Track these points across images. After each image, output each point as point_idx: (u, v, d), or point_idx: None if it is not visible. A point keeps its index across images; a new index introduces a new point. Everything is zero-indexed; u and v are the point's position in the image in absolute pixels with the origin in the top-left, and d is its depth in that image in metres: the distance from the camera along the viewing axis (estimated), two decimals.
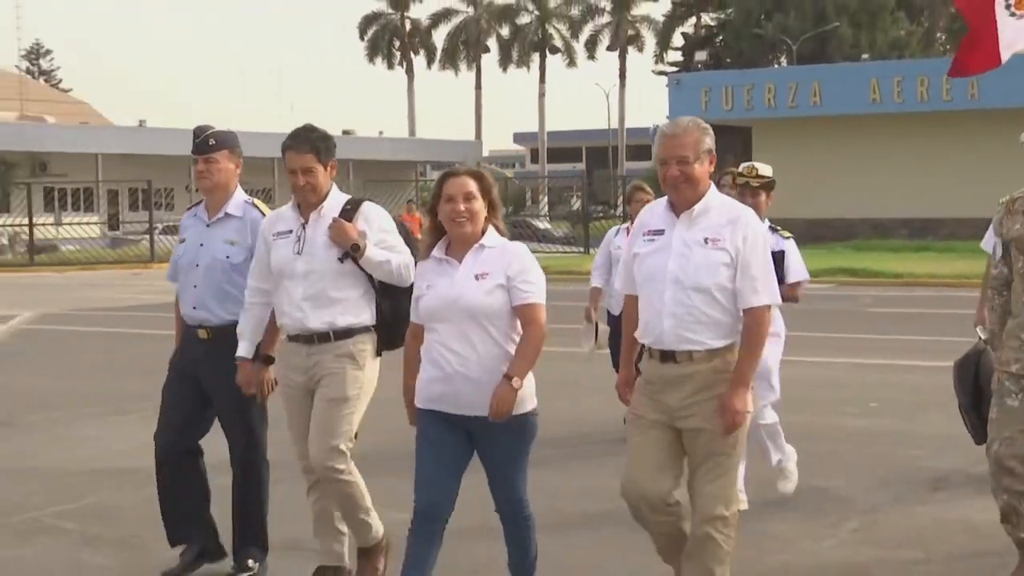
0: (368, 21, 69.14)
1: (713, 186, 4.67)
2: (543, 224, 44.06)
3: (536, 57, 66.97)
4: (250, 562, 5.64)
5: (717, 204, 4.62)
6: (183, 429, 5.61)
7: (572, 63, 67.49)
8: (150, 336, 16.80)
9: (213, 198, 5.63)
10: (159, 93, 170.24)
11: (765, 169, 6.92)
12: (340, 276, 5.09)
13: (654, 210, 4.70)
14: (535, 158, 72.56)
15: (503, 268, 4.62)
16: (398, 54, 69.49)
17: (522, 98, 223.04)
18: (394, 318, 5.19)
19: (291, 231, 5.25)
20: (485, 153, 65.96)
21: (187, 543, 5.72)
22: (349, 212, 5.20)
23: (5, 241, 41.96)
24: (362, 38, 69.67)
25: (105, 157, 53.75)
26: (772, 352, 6.61)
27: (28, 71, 79.05)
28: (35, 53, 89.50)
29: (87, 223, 48.29)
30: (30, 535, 7.06)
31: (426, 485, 4.63)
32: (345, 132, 66.04)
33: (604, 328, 8.33)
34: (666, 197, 4.66)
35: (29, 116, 60.03)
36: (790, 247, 6.98)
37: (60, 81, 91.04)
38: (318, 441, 5.11)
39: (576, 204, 55.73)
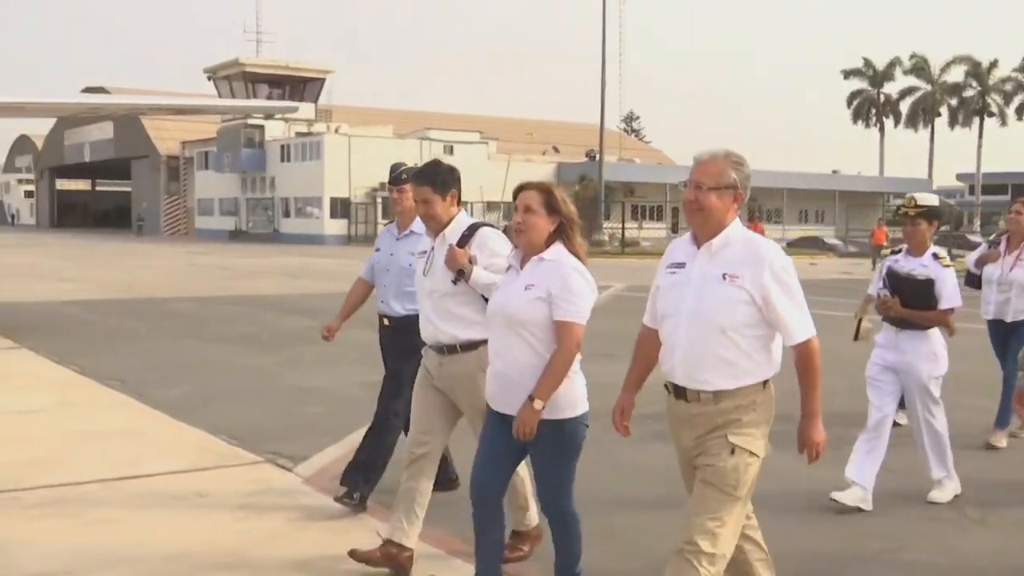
0: (853, 96, 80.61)
1: (737, 222, 3.90)
2: (976, 238, 50.04)
3: (976, 120, 76.64)
4: (356, 494, 5.93)
5: (740, 239, 3.84)
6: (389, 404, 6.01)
7: (1004, 123, 76.97)
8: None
9: (403, 219, 6.04)
10: (713, 138, 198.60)
11: (925, 199, 6.48)
12: (460, 294, 4.84)
13: (679, 243, 4.04)
14: (971, 191, 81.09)
15: (550, 282, 4.20)
16: (873, 118, 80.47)
17: (964, 148, 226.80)
18: None
19: (425, 252, 5.17)
20: (933, 187, 73.78)
21: (352, 487, 5.96)
22: (466, 238, 4.94)
23: (606, 238, 50.61)
24: (848, 106, 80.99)
25: (671, 186, 60.81)
26: (930, 370, 6.35)
27: (624, 130, 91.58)
28: (629, 118, 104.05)
29: (657, 228, 60.38)
30: (635, 421, 6.98)
31: (475, 476, 4.41)
32: (833, 171, 74.60)
33: (867, 325, 7.18)
34: (691, 230, 4.01)
35: (624, 159, 70.32)
36: (946, 275, 6.34)
37: (644, 136, 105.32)
38: None
39: (1002, 223, 68.75)
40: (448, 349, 4.96)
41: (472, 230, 5.00)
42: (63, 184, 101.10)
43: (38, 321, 16.35)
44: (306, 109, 58.85)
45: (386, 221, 7.32)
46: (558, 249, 4.35)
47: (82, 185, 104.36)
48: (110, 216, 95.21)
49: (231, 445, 7.73)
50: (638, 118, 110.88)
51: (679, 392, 3.94)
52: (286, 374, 11.42)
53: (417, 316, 5.28)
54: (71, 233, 74.66)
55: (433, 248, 5.11)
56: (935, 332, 6.48)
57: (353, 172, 57.31)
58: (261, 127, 62.62)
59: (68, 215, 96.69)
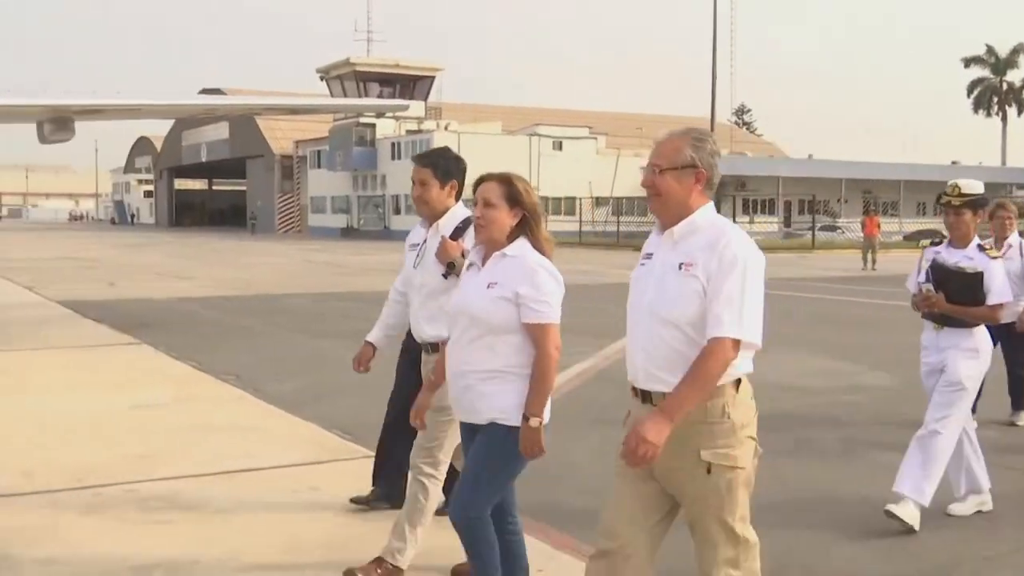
0: (974, 84, 78.72)
1: (708, 207, 3.49)
2: None
3: None
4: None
5: (708, 226, 3.44)
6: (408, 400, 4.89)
7: None
8: (811, 299, 21.67)
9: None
10: (825, 134, 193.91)
11: (971, 187, 6.01)
12: (450, 291, 4.48)
13: (653, 233, 3.65)
14: None
15: (515, 281, 3.90)
16: (995, 106, 78.66)
17: None
18: None
19: (417, 244, 4.95)
20: None
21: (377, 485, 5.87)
22: (460, 231, 4.72)
23: None
24: (968, 95, 79.06)
25: (784, 179, 63.32)
26: (967, 368, 5.84)
27: (735, 122, 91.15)
28: (740, 111, 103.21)
29: (769, 222, 58.88)
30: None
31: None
32: (952, 163, 71.54)
33: None
34: None
35: (735, 152, 69.88)
36: (995, 268, 5.92)
37: (756, 129, 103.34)
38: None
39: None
40: (432, 348, 4.82)
41: (467, 223, 4.76)
42: (181, 184, 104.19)
43: (157, 318, 16.80)
44: (416, 107, 59.46)
45: None
46: (521, 244, 4.06)
47: (199, 184, 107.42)
48: (226, 215, 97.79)
49: (344, 440, 7.82)
50: (749, 110, 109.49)
51: (644, 396, 3.50)
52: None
53: None
54: (188, 232, 76.82)
55: (426, 240, 4.95)
56: (981, 329, 6.01)
57: None
58: (372, 125, 63.55)
59: (186, 214, 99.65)
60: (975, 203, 6.05)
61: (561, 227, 55.88)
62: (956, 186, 6.06)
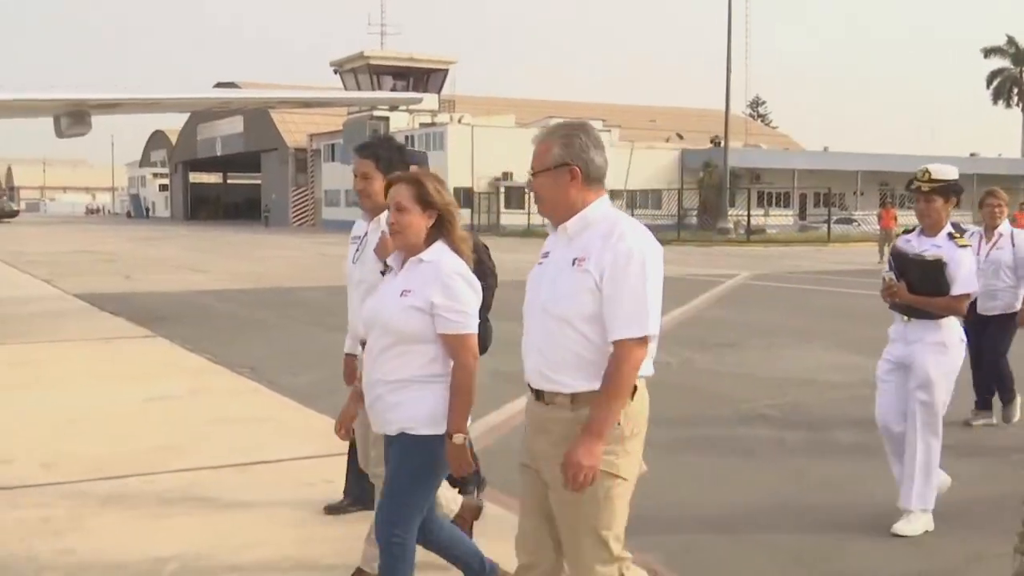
0: (994, 75, 78.34)
1: (600, 201, 3.40)
2: None
3: None
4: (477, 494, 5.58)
5: (602, 220, 3.36)
6: None
7: None
8: (827, 292, 21.17)
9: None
10: (841, 126, 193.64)
11: (942, 172, 5.72)
12: None
13: (549, 234, 3.55)
14: None
15: (429, 290, 3.70)
16: (1016, 97, 78.44)
17: None
18: None
19: (359, 238, 4.80)
20: None
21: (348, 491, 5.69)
22: None
23: (731, 226, 49.56)
24: (988, 86, 78.79)
25: (799, 172, 63.73)
26: (936, 365, 5.57)
27: (750, 115, 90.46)
28: (755, 103, 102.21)
29: (784, 215, 58.98)
30: (751, 420, 8.42)
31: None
32: (971, 154, 71.16)
33: None
34: None
35: (750, 144, 70.01)
36: (961, 257, 5.59)
37: (771, 121, 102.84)
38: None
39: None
40: None
41: None
42: (196, 177, 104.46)
43: (173, 311, 16.90)
44: (429, 100, 59.49)
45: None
46: (438, 248, 3.84)
47: (214, 178, 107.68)
48: (241, 208, 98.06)
49: None
50: (764, 102, 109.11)
51: (537, 394, 3.44)
52: None
53: None
54: (203, 225, 77.03)
55: (367, 233, 4.79)
56: (950, 322, 5.66)
57: (476, 162, 57.72)
58: (386, 119, 63.58)
59: (201, 207, 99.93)
60: (947, 189, 5.73)
61: None
62: (927, 171, 5.76)
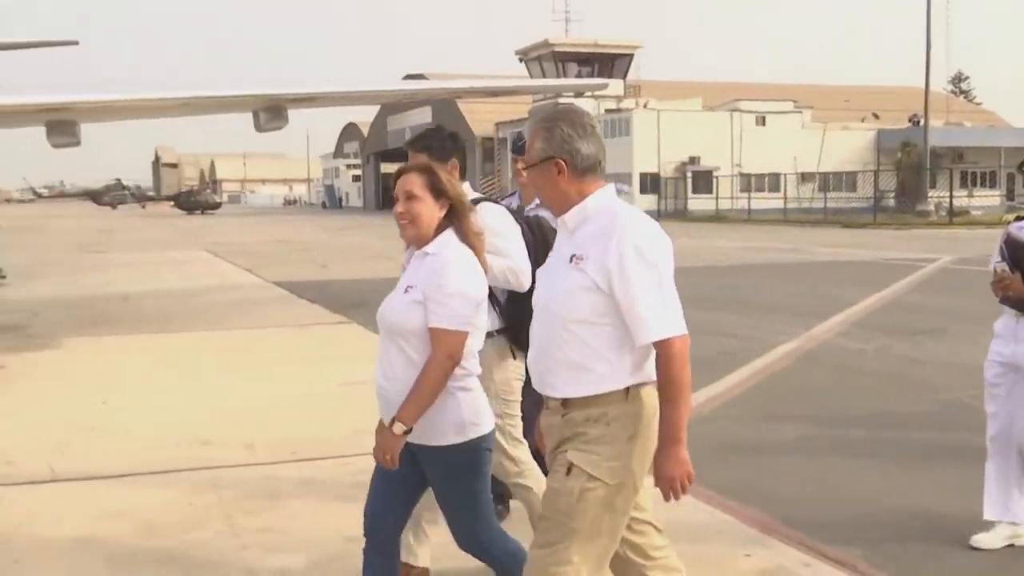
0: None
1: (601, 192, 3.24)
2: None
3: None
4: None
5: (604, 212, 3.20)
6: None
7: None
8: None
9: (528, 192, 5.35)
10: None
11: None
12: None
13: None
14: None
15: (427, 282, 3.54)
16: None
17: None
18: (512, 321, 4.51)
19: None
20: None
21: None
22: None
23: (931, 207, 47.50)
24: None
25: (1005, 150, 60.59)
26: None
27: (951, 91, 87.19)
28: (957, 79, 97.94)
29: (990, 196, 55.84)
30: (953, 409, 8.06)
31: (367, 506, 3.81)
32: None
33: None
34: None
35: (951, 123, 67.19)
36: None
37: (975, 98, 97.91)
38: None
39: None
40: None
41: (474, 203, 4.28)
42: (387, 167, 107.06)
43: (367, 298, 17.33)
44: (615, 85, 59.23)
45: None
46: (445, 239, 3.66)
47: None
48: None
49: None
50: (967, 78, 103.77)
51: (542, 399, 3.33)
52: None
53: None
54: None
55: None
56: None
57: (662, 147, 57.21)
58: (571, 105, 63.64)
59: (391, 197, 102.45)
60: None
61: (764, 204, 54.67)
62: None
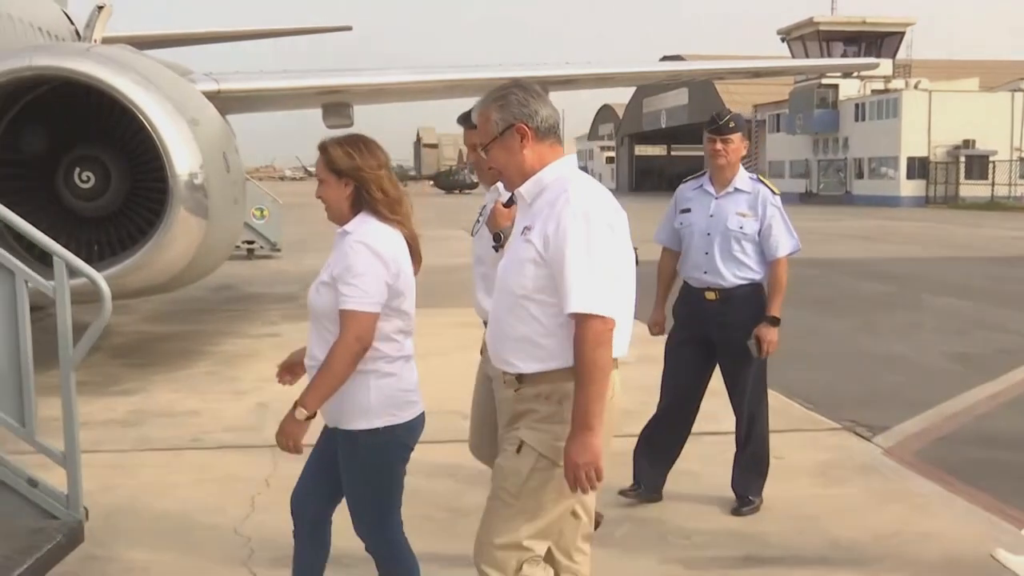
0: None
1: (561, 162, 3.16)
2: None
3: None
4: (751, 497, 5.40)
5: (552, 182, 3.12)
6: (697, 389, 5.49)
7: None
8: None
9: (724, 175, 5.30)
10: None
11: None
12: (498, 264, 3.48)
13: None
14: None
15: (335, 263, 3.47)
16: None
17: None
18: None
19: (484, 206, 4.42)
20: None
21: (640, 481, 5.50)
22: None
23: None
24: None
25: None
26: None
27: None
28: None
29: None
30: None
31: (295, 488, 3.74)
32: None
33: None
34: None
35: None
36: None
37: None
38: None
39: None
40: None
41: None
42: (641, 150, 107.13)
43: None
44: (883, 65, 56.75)
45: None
46: (360, 218, 3.53)
47: (658, 150, 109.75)
48: (684, 180, 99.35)
49: (807, 409, 7.67)
50: None
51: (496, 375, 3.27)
52: (863, 339, 11.22)
53: (750, 284, 5.20)
54: (648, 196, 78.82)
55: (485, 206, 4.38)
56: None
57: (934, 130, 54.36)
58: (835, 87, 61.56)
59: (645, 179, 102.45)
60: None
61: None
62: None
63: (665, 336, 5.60)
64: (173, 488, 5.82)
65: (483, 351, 4.16)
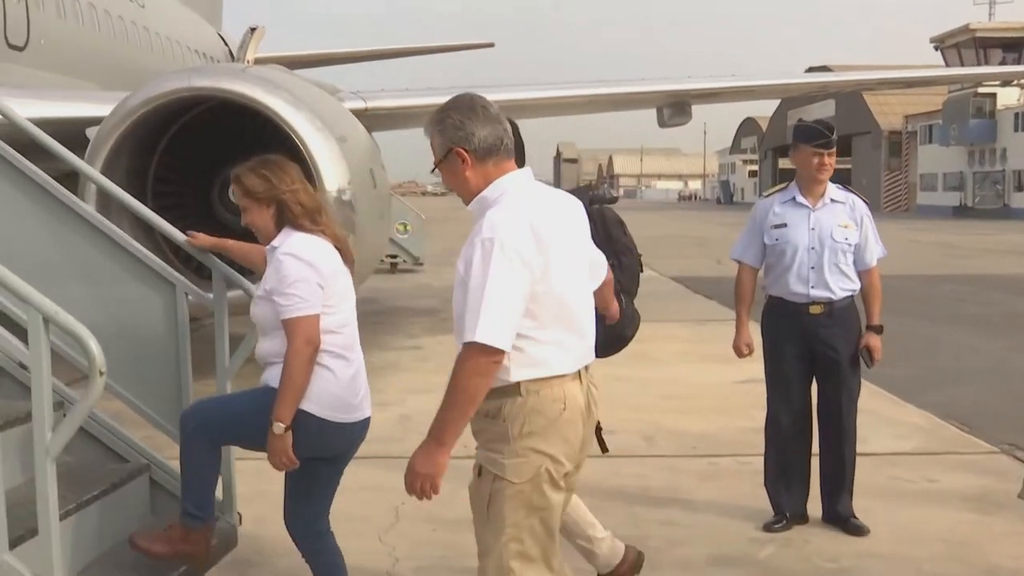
0: None
1: (505, 179, 3.12)
2: None
3: None
4: (855, 517, 5.32)
5: (495, 199, 3.13)
6: (810, 406, 5.41)
7: None
8: None
9: (821, 187, 5.26)
10: None
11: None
12: None
13: None
14: None
15: (268, 277, 3.73)
16: None
17: None
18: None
19: None
20: None
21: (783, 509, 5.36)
22: None
23: None
24: None
25: None
26: None
27: None
28: None
29: None
30: None
31: (284, 507, 4.01)
32: None
33: None
34: None
35: None
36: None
37: None
38: None
39: None
40: None
41: None
42: (785, 163, 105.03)
43: (760, 295, 17.13)
44: None
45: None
46: (283, 234, 3.79)
47: None
48: (764, 195, 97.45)
49: (962, 431, 7.44)
50: None
51: None
52: (1021, 359, 10.68)
53: (851, 295, 5.17)
54: None
55: None
56: None
57: None
58: (992, 95, 59.44)
59: None
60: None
61: None
62: None
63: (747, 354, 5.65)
64: None
65: None
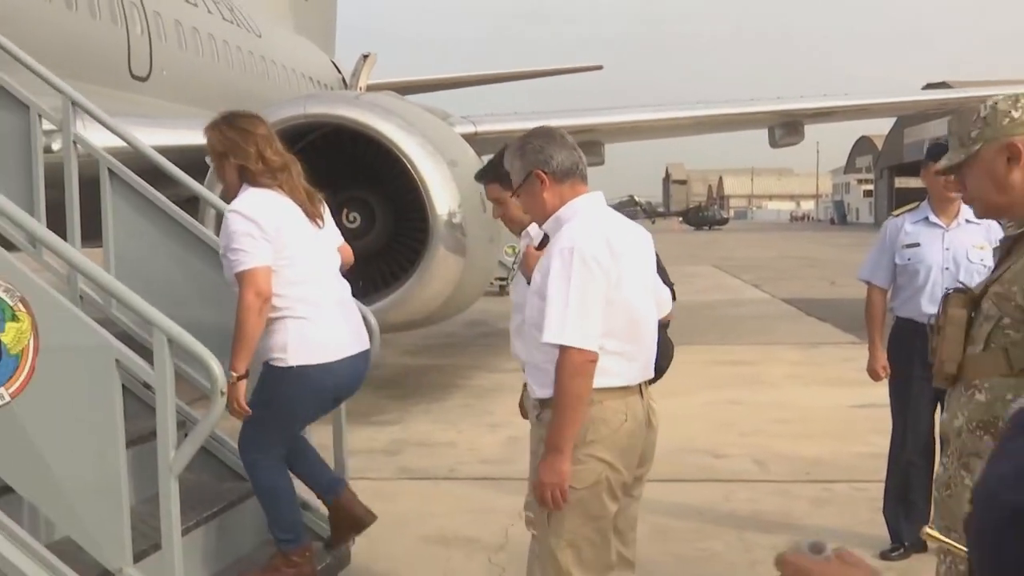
0: None
1: (578, 200, 3.29)
2: None
3: None
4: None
5: (568, 217, 3.29)
6: (931, 427, 5.17)
7: None
8: None
9: (954, 207, 5.16)
10: None
11: None
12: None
13: None
14: None
15: (221, 237, 3.82)
16: None
17: None
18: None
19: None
20: None
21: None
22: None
23: None
24: None
25: None
26: None
27: None
28: None
29: None
30: None
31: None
32: None
33: None
34: None
35: None
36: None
37: None
38: None
39: None
40: None
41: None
42: (901, 182, 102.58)
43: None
44: None
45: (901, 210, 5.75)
46: (241, 193, 3.92)
47: (919, 183, 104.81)
48: (894, 214, 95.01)
49: None
50: None
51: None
52: None
53: None
54: None
55: (519, 252, 4.21)
56: None
57: None
58: None
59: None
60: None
61: None
62: None
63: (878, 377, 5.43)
64: (431, 517, 6.03)
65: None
